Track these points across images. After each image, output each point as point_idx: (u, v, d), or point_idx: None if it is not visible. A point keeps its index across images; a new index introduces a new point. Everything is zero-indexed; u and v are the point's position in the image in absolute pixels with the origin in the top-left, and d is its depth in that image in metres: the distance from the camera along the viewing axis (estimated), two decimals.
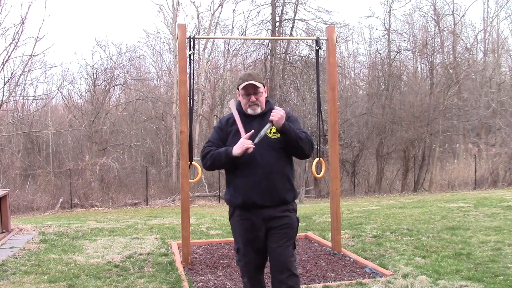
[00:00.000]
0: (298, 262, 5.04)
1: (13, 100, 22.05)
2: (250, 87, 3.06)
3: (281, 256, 2.97)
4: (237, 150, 2.92)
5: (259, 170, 2.96)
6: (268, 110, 3.10)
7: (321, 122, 5.60)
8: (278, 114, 2.92)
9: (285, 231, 3.01)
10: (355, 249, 5.66)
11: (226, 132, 3.11)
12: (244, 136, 2.95)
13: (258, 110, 3.08)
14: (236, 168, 3.02)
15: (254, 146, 2.90)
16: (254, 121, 3.07)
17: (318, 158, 5.46)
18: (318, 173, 5.51)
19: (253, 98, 3.05)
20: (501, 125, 21.03)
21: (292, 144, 2.98)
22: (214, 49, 24.28)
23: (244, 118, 3.10)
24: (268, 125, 2.95)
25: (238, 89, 3.14)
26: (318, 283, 4.33)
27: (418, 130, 20.27)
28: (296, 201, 3.20)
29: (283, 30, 20.57)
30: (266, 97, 3.15)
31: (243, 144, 2.90)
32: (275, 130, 3.04)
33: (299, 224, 3.18)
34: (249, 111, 3.08)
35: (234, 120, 3.10)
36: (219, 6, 22.42)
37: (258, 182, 2.96)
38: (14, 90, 19.82)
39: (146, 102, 24.95)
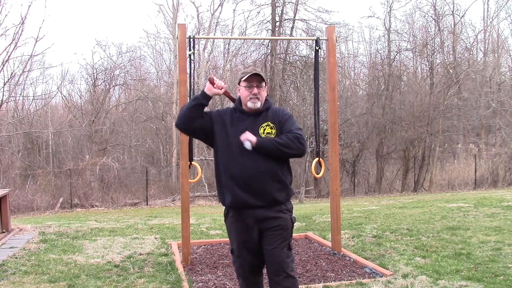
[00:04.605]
0: (297, 263, 5.04)
1: (13, 100, 22.06)
2: (254, 78, 3.03)
3: (276, 258, 2.96)
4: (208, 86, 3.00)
5: (248, 170, 2.93)
6: (266, 109, 3.08)
7: (320, 122, 5.60)
8: (243, 136, 2.92)
9: (279, 232, 2.98)
10: (355, 249, 5.66)
11: (222, 118, 3.07)
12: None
13: (258, 105, 3.03)
14: (226, 168, 3.00)
15: (216, 80, 2.97)
16: (248, 119, 3.03)
17: (317, 158, 5.46)
18: (317, 173, 5.51)
19: (255, 90, 3.01)
20: (501, 125, 21.02)
21: (276, 154, 2.94)
22: (214, 49, 24.29)
23: (240, 114, 3.07)
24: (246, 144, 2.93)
25: (239, 83, 3.11)
26: (318, 283, 4.33)
27: (418, 130, 20.28)
28: (293, 200, 3.18)
29: (283, 30, 20.57)
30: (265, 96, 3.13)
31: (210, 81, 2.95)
32: (269, 131, 3.01)
33: (295, 224, 3.16)
34: (249, 104, 3.02)
35: (237, 113, 3.08)
36: (219, 6, 22.44)
37: (247, 182, 2.93)
38: (14, 90, 19.85)
39: (146, 102, 24.94)
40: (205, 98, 2.98)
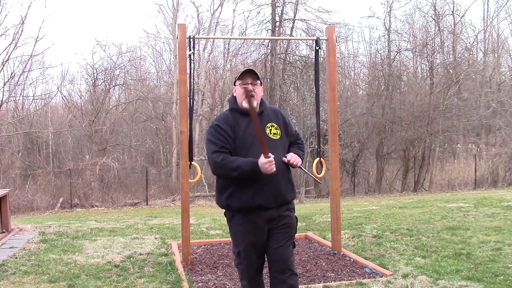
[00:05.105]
0: (297, 263, 5.05)
1: (13, 100, 22.07)
2: (249, 75, 3.02)
3: (282, 256, 2.96)
4: (263, 169, 2.79)
5: (263, 173, 2.89)
6: (264, 109, 3.08)
7: (320, 122, 5.61)
8: (295, 160, 2.97)
9: (286, 230, 3.00)
10: (355, 249, 5.66)
11: (231, 128, 2.97)
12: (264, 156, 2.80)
13: (254, 104, 2.99)
14: None
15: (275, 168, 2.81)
16: (250, 121, 3.01)
17: (318, 158, 5.46)
18: (318, 173, 5.51)
19: (250, 87, 2.99)
20: (501, 125, 21.02)
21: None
22: (214, 49, 24.28)
23: (241, 116, 3.02)
24: (305, 170, 3.08)
25: (234, 84, 3.10)
26: (318, 283, 4.33)
27: (418, 130, 20.28)
28: (295, 200, 3.20)
29: (283, 30, 20.60)
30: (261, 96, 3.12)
31: (270, 165, 2.78)
32: (275, 131, 3.03)
33: (297, 223, 3.18)
34: (244, 104, 2.99)
35: (236, 115, 3.01)
36: (219, 6, 22.43)
37: (263, 185, 2.91)
38: (14, 90, 19.85)
39: (146, 102, 24.94)
40: (256, 174, 2.85)
